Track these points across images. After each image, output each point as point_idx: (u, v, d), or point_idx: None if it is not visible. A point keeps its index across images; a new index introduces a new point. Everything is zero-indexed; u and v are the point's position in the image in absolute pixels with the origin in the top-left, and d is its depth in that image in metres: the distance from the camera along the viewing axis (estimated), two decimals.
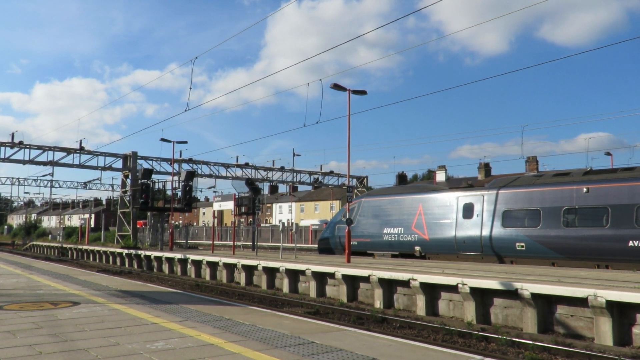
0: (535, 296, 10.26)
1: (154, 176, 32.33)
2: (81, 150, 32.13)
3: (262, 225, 61.25)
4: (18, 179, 54.45)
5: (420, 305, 12.68)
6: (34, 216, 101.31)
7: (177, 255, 24.46)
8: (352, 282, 14.83)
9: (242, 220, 54.85)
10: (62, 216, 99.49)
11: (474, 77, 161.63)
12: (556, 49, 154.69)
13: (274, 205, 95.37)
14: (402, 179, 57.77)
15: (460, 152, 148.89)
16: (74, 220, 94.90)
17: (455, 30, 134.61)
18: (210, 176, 37.74)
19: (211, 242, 30.38)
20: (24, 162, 30.76)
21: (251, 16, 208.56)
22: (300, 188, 75.96)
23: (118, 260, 31.31)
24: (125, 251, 29.97)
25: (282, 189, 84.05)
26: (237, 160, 39.25)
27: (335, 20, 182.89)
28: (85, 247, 38.88)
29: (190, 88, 23.65)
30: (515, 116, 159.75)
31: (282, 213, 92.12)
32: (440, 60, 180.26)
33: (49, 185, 54.06)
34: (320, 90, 19.76)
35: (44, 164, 31.59)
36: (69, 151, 32.04)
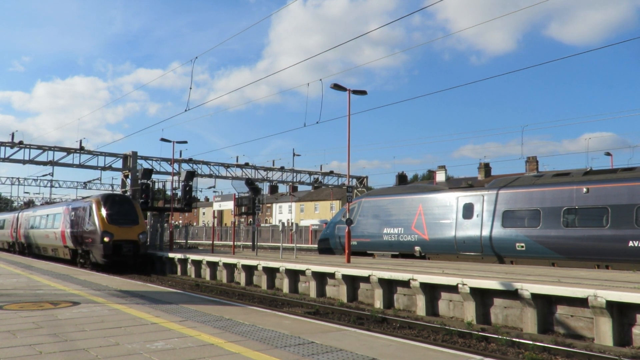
0: (535, 296, 10.26)
1: (154, 176, 32.28)
2: (81, 150, 32.12)
3: (262, 225, 61.28)
4: (18, 178, 54.50)
5: (420, 305, 12.68)
6: None
7: (177, 255, 24.42)
8: (352, 282, 14.84)
9: (242, 220, 54.86)
10: None
11: (480, 76, 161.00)
12: (564, 47, 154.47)
13: (274, 205, 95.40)
14: (402, 179, 57.77)
15: (462, 151, 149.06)
16: None
17: (462, 28, 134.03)
18: (210, 176, 37.73)
19: (211, 242, 30.39)
20: (24, 162, 30.76)
21: (256, 14, 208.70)
22: (300, 188, 75.96)
23: None
24: None
25: (282, 189, 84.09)
26: (237, 160, 39.25)
27: (340, 19, 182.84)
28: None
29: (191, 88, 23.64)
30: (518, 116, 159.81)
31: (282, 213, 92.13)
32: (445, 59, 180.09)
33: (49, 185, 54.08)
34: (323, 89, 19.66)
35: (44, 163, 31.58)
36: (69, 151, 32.04)
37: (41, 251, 31.25)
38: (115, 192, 28.91)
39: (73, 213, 26.20)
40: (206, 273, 21.81)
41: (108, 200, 24.67)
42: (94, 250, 23.45)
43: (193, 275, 22.62)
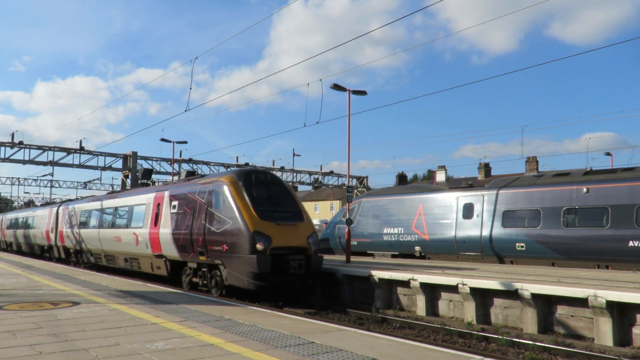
0: (535, 296, 10.26)
1: (154, 176, 32.32)
2: (81, 150, 32.19)
3: None
4: (18, 179, 54.61)
5: (420, 305, 12.67)
6: None
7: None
8: (352, 282, 14.82)
9: None
10: None
11: (481, 76, 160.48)
12: (565, 47, 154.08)
13: None
14: (402, 179, 57.77)
15: (462, 151, 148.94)
16: None
17: (463, 28, 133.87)
18: None
19: None
20: (24, 162, 30.83)
21: (257, 14, 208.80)
22: (300, 188, 75.99)
23: None
24: None
25: None
26: (237, 160, 39.35)
27: (342, 18, 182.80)
28: None
29: (191, 88, 23.62)
30: (518, 116, 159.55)
31: None
32: (447, 58, 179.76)
33: (49, 185, 54.16)
34: (324, 89, 19.58)
35: (44, 164, 31.67)
36: (69, 151, 32.09)
37: (103, 260, 21.29)
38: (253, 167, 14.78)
39: (177, 203, 15.37)
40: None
41: (250, 179, 13.78)
42: (235, 266, 12.75)
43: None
